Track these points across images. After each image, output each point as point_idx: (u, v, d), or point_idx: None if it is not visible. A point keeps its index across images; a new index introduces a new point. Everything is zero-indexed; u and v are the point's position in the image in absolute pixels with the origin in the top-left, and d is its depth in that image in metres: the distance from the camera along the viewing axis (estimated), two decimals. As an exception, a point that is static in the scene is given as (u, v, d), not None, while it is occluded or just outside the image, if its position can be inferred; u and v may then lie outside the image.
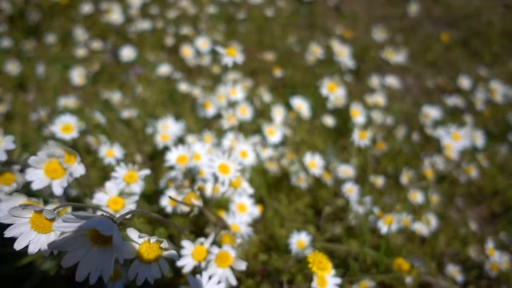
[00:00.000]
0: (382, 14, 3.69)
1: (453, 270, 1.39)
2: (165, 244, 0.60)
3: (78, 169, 0.71)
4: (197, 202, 0.81)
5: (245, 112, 1.57)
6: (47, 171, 0.69)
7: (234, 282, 0.80)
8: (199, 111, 1.70)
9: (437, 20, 3.67)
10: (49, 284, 1.05)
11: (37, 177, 0.69)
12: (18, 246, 0.54)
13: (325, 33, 3.15)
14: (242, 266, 0.81)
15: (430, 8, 3.83)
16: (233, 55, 1.10)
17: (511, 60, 3.08)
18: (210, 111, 1.64)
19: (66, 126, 1.12)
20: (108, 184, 0.85)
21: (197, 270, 0.84)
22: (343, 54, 1.80)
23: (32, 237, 0.54)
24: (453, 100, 2.25)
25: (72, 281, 1.10)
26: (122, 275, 0.93)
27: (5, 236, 0.54)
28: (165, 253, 0.61)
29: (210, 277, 0.62)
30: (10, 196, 0.72)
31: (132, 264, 0.59)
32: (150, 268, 0.59)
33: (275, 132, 1.55)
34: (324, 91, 1.40)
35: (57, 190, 0.69)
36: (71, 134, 1.11)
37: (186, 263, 0.83)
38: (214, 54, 2.16)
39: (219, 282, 0.61)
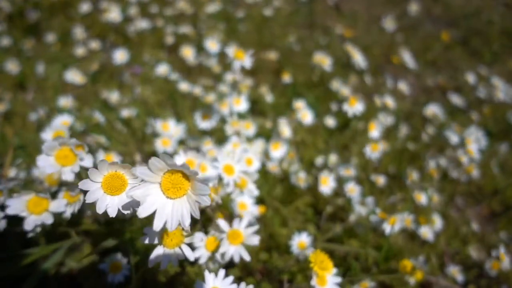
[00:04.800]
0: (382, 13, 3.69)
1: (454, 270, 1.39)
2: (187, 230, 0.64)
3: (87, 158, 0.73)
4: (216, 197, 0.81)
5: (249, 127, 1.56)
6: (58, 158, 0.71)
7: (247, 257, 0.81)
8: (198, 123, 1.65)
9: (437, 19, 3.67)
10: (50, 284, 1.05)
11: (48, 164, 0.70)
12: (99, 210, 0.55)
13: (325, 32, 3.15)
14: (254, 241, 0.81)
15: (430, 7, 3.83)
16: (241, 58, 1.11)
17: (511, 59, 3.09)
18: (210, 123, 1.56)
19: (58, 133, 1.12)
20: None
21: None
22: (357, 56, 1.81)
23: (108, 201, 0.56)
24: (454, 99, 2.26)
25: (73, 280, 1.10)
26: (122, 267, 0.93)
27: (86, 201, 0.55)
28: (186, 239, 0.64)
29: (224, 277, 0.64)
30: (19, 193, 0.74)
31: (155, 249, 0.62)
32: (174, 253, 0.63)
33: (279, 147, 1.55)
34: (345, 106, 1.43)
35: (68, 176, 0.70)
36: None
37: (201, 254, 0.83)
38: (221, 54, 2.15)
39: (232, 283, 0.63)
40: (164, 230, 0.63)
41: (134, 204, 0.56)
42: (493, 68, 2.94)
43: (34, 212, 0.74)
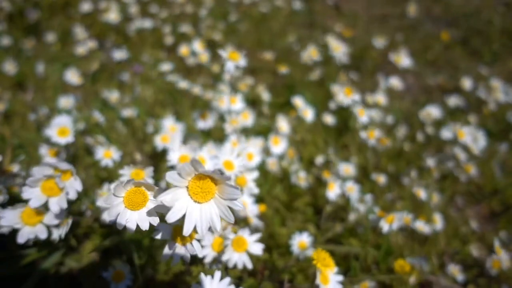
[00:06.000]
0: (382, 13, 3.69)
1: (454, 269, 1.39)
2: None
3: (75, 185, 0.71)
4: None
5: (247, 118, 1.56)
6: (43, 189, 0.69)
7: (250, 266, 0.82)
8: (197, 123, 1.66)
9: (437, 19, 3.67)
10: (50, 283, 1.05)
11: (34, 195, 0.69)
12: (119, 225, 0.56)
13: (324, 32, 3.15)
14: (258, 250, 0.83)
15: (430, 7, 3.83)
16: (235, 59, 1.10)
17: (511, 58, 3.08)
18: (207, 122, 1.59)
19: (62, 130, 1.11)
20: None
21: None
22: (339, 50, 1.80)
23: (127, 216, 0.57)
24: (454, 100, 2.25)
25: (73, 280, 1.09)
26: (125, 276, 0.93)
27: (109, 217, 0.56)
28: (197, 235, 0.65)
29: (221, 279, 0.64)
30: (14, 206, 0.73)
31: (167, 244, 0.63)
32: (186, 248, 0.63)
33: (279, 143, 1.55)
34: (341, 96, 1.42)
35: (55, 208, 0.69)
36: (67, 138, 1.10)
37: (207, 253, 0.84)
38: (213, 53, 2.15)
39: (229, 284, 0.63)
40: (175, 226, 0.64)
41: (153, 218, 0.57)
42: (493, 68, 2.94)
43: (28, 223, 0.73)
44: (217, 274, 0.63)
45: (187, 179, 0.51)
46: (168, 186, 0.53)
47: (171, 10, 2.81)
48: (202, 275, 0.61)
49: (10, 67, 2.14)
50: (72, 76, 2.06)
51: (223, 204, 0.51)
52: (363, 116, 1.54)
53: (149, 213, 0.57)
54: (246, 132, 1.61)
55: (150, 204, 0.58)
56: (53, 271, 1.05)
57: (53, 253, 1.04)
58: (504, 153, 2.07)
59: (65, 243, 1.02)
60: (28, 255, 1.00)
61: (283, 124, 1.66)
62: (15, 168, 0.98)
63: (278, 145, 1.54)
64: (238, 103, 1.50)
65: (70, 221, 0.81)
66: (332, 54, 1.88)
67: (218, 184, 0.52)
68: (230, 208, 0.51)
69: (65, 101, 1.83)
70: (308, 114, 1.71)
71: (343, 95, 1.44)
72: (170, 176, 0.50)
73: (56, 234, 0.81)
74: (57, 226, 0.79)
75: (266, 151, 1.55)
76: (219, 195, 0.52)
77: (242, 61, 1.11)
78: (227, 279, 0.63)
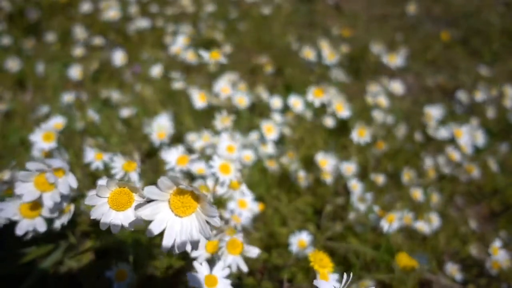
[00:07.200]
0: (382, 13, 3.69)
1: (453, 269, 1.39)
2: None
3: (69, 180, 0.69)
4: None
5: (243, 102, 1.57)
6: (36, 184, 0.68)
7: (245, 268, 0.81)
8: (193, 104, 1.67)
9: (437, 19, 3.67)
10: (49, 283, 1.05)
11: (27, 190, 0.68)
12: (102, 226, 0.55)
13: (325, 31, 3.15)
14: (253, 253, 0.82)
15: (430, 7, 3.83)
16: (216, 57, 1.14)
17: (511, 58, 3.08)
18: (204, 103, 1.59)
19: (47, 135, 1.08)
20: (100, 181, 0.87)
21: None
22: (332, 58, 1.80)
23: (112, 217, 0.56)
24: (455, 100, 2.25)
25: (72, 279, 1.09)
26: (127, 275, 0.93)
27: (91, 217, 0.55)
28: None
29: (221, 266, 0.64)
30: (11, 198, 0.73)
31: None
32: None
33: (273, 130, 1.55)
34: (310, 97, 1.40)
35: (48, 203, 0.69)
36: (50, 144, 1.07)
37: (199, 254, 0.84)
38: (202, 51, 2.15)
39: (223, 268, 0.65)
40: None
41: (139, 221, 0.56)
42: (493, 68, 2.93)
43: (27, 216, 0.73)
44: (219, 263, 0.63)
45: (168, 192, 0.51)
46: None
47: (172, 9, 2.81)
48: (196, 263, 0.61)
49: (13, 64, 2.15)
50: (76, 72, 2.06)
51: (203, 218, 0.51)
52: (341, 111, 1.53)
53: (136, 221, 0.56)
54: (242, 130, 1.61)
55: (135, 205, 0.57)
56: (52, 270, 1.05)
57: (53, 251, 1.04)
58: (504, 153, 2.06)
59: (65, 242, 1.02)
60: (28, 253, 1.00)
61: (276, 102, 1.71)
62: (5, 174, 0.96)
63: (272, 133, 1.54)
64: (229, 91, 1.52)
65: (72, 208, 0.81)
66: (325, 62, 1.86)
67: (199, 200, 0.51)
68: (208, 223, 0.51)
69: (68, 97, 1.84)
70: (298, 104, 1.70)
71: (312, 96, 1.41)
72: (149, 191, 0.49)
73: (58, 223, 0.81)
74: (59, 214, 0.79)
75: (262, 142, 1.56)
76: (200, 209, 0.51)
77: (222, 59, 1.17)
78: (221, 263, 0.64)
